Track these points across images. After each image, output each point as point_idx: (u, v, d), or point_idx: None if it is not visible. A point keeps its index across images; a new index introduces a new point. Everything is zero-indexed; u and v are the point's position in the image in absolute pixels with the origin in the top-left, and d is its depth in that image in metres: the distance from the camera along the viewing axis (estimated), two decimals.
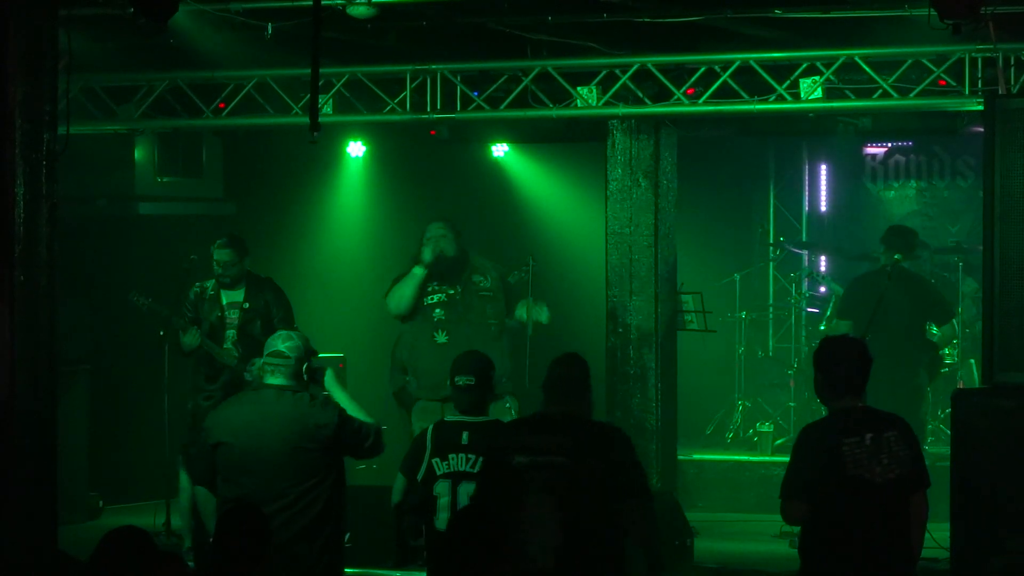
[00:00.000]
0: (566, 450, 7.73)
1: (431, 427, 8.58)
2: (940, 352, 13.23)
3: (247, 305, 11.70)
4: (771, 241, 16.20)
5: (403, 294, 11.60)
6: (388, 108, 11.81)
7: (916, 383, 12.71)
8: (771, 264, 16.26)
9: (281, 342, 8.49)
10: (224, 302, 11.75)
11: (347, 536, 8.55)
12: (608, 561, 7.75)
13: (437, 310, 11.55)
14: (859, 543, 7.38)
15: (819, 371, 7.59)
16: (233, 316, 11.73)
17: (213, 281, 11.79)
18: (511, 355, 11.65)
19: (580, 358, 8.14)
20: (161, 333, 11.66)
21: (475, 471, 8.29)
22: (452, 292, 11.56)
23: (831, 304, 14.73)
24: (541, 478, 7.73)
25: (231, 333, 11.69)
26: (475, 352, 9.31)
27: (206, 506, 8.42)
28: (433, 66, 11.66)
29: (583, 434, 7.83)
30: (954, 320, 13.19)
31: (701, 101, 11.29)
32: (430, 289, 11.59)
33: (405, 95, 11.73)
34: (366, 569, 9.12)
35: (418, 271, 11.54)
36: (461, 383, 8.54)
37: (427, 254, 11.52)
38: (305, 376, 8.50)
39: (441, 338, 11.42)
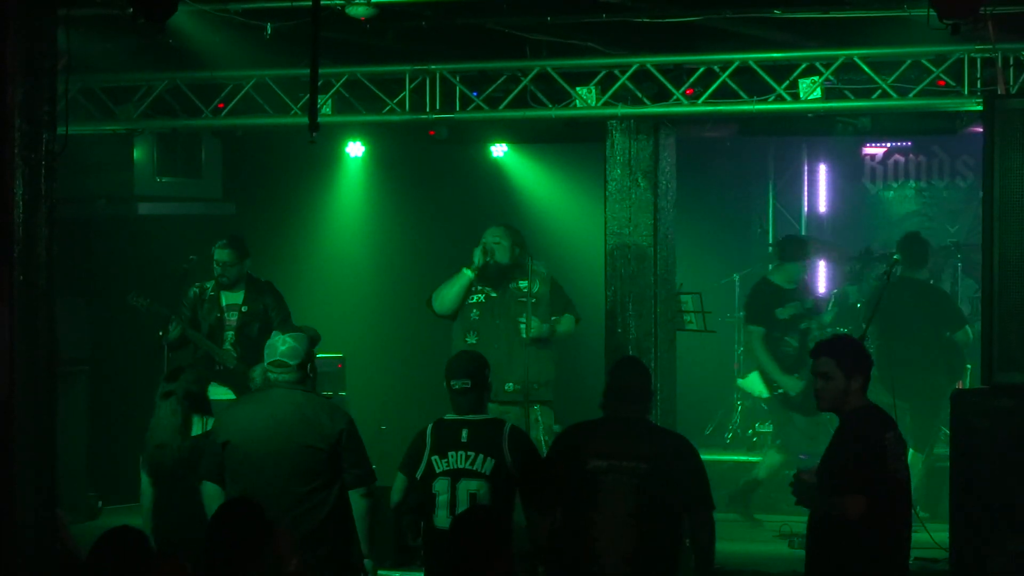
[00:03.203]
0: (642, 456, 7.84)
1: (430, 425, 8.59)
2: (963, 353, 13.25)
3: (246, 308, 11.71)
4: (770, 241, 16.20)
5: (447, 295, 11.59)
6: (387, 108, 11.81)
7: (933, 384, 12.74)
8: (771, 264, 16.24)
9: (280, 347, 8.47)
10: (223, 303, 11.77)
11: None
12: (671, 566, 7.88)
13: (474, 311, 11.58)
14: (892, 536, 7.41)
15: (864, 372, 7.55)
16: (232, 318, 11.75)
17: (213, 282, 11.80)
18: (554, 362, 11.62)
19: (641, 363, 8.33)
20: (160, 333, 11.66)
21: (474, 468, 8.32)
22: (494, 295, 11.56)
23: (830, 304, 14.72)
24: (618, 483, 7.81)
25: (229, 335, 11.70)
26: (467, 353, 9.31)
27: (213, 504, 8.39)
28: (432, 66, 11.65)
29: (658, 441, 8.00)
30: (967, 328, 13.17)
31: (700, 101, 11.28)
32: (474, 290, 11.60)
33: (404, 95, 11.72)
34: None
35: (467, 273, 11.54)
36: (457, 386, 8.55)
37: (477, 258, 11.52)
38: (311, 374, 8.51)
39: (471, 339, 11.41)
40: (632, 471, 7.86)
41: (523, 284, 11.62)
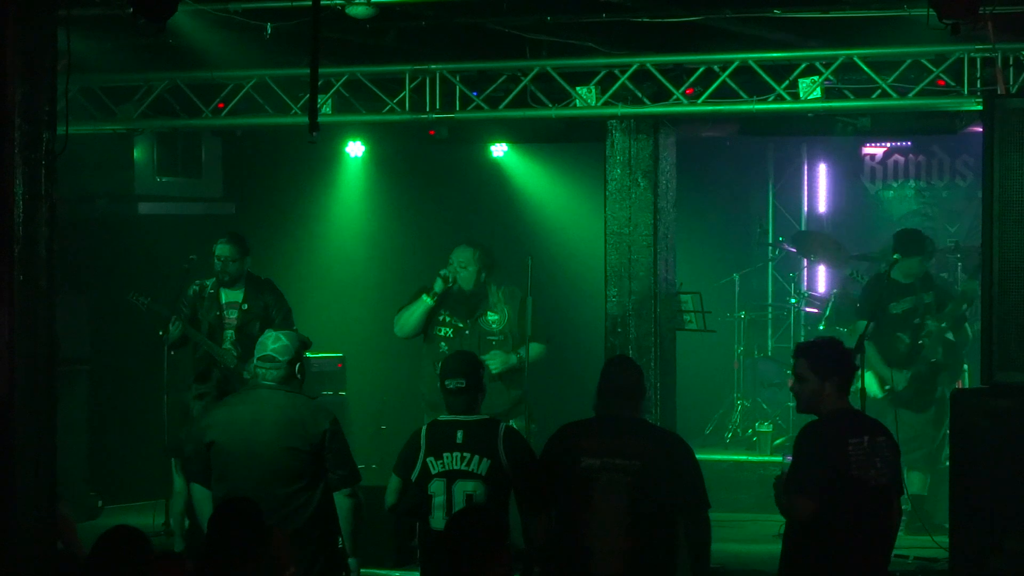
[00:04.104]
0: (635, 454, 7.82)
1: (425, 426, 8.58)
2: (960, 352, 13.22)
3: (246, 306, 11.70)
4: (770, 241, 16.21)
5: (408, 321, 11.47)
6: (387, 108, 11.82)
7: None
8: (770, 264, 16.26)
9: (271, 343, 8.46)
10: (223, 301, 11.75)
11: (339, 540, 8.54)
12: (667, 565, 7.84)
13: (443, 344, 11.38)
14: (851, 543, 7.39)
15: (835, 375, 7.51)
16: (232, 316, 11.73)
17: (213, 280, 11.79)
18: (518, 380, 11.42)
19: (633, 361, 8.27)
20: (160, 333, 11.65)
21: (470, 469, 8.31)
22: (461, 326, 11.42)
23: (830, 305, 14.72)
24: (611, 481, 7.79)
25: (229, 333, 11.69)
26: (463, 353, 9.29)
27: (201, 505, 8.40)
28: (432, 66, 11.66)
29: (650, 439, 7.97)
30: (967, 325, 13.16)
31: (700, 101, 11.29)
32: (440, 319, 11.41)
33: (404, 95, 11.73)
34: (364, 569, 9.10)
35: (426, 300, 11.37)
36: (451, 386, 8.55)
37: (437, 285, 11.33)
38: (299, 375, 8.50)
39: (439, 368, 11.29)
40: (625, 469, 7.83)
41: (492, 317, 11.49)
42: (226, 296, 11.77)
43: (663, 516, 7.90)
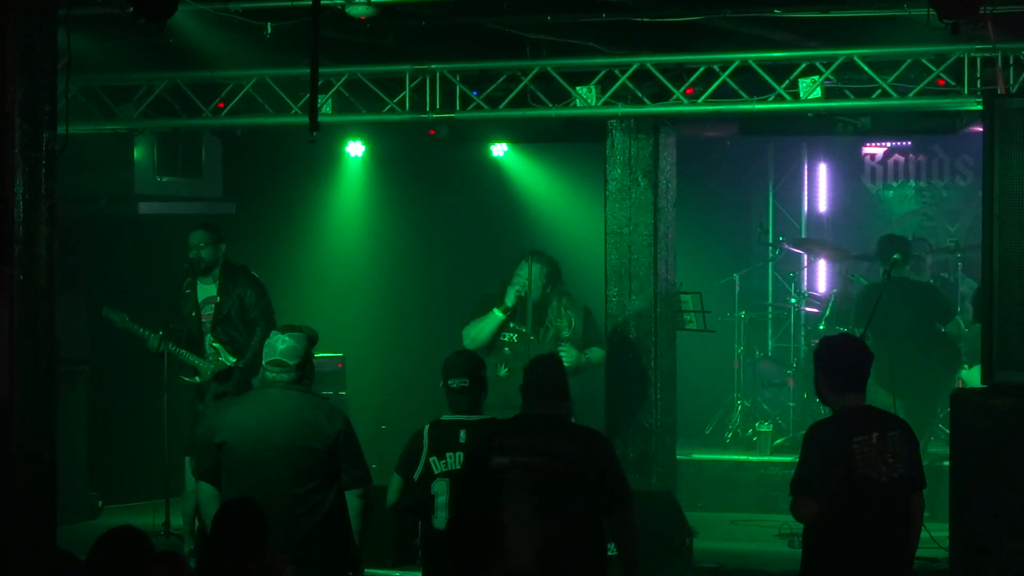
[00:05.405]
0: (546, 451, 7.69)
1: (427, 426, 8.58)
2: (957, 346, 13.17)
3: (219, 299, 11.69)
4: (770, 241, 16.21)
5: (480, 334, 11.45)
6: (387, 108, 11.82)
7: (929, 380, 12.72)
8: (770, 264, 16.26)
9: (279, 346, 8.44)
10: (200, 299, 11.74)
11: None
12: (589, 563, 7.71)
13: (506, 348, 11.41)
14: (864, 541, 7.38)
15: (821, 370, 7.57)
16: (209, 312, 11.72)
17: (188, 280, 11.80)
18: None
19: (557, 359, 8.11)
20: (160, 333, 11.66)
21: None
22: (525, 331, 11.42)
23: (830, 304, 14.73)
24: (520, 479, 7.69)
25: (208, 338, 11.66)
26: (465, 352, 9.30)
27: (208, 504, 8.38)
28: (432, 66, 11.67)
29: (564, 436, 7.77)
30: (958, 318, 13.16)
31: (700, 101, 11.30)
32: (507, 327, 11.51)
33: (404, 95, 11.73)
34: (365, 569, 9.11)
35: (498, 314, 11.41)
36: (454, 385, 8.55)
37: (510, 299, 11.39)
38: (309, 375, 8.49)
39: (502, 371, 11.28)
40: (531, 467, 7.64)
41: (563, 324, 11.47)
42: (202, 292, 11.75)
43: (577, 516, 7.66)
